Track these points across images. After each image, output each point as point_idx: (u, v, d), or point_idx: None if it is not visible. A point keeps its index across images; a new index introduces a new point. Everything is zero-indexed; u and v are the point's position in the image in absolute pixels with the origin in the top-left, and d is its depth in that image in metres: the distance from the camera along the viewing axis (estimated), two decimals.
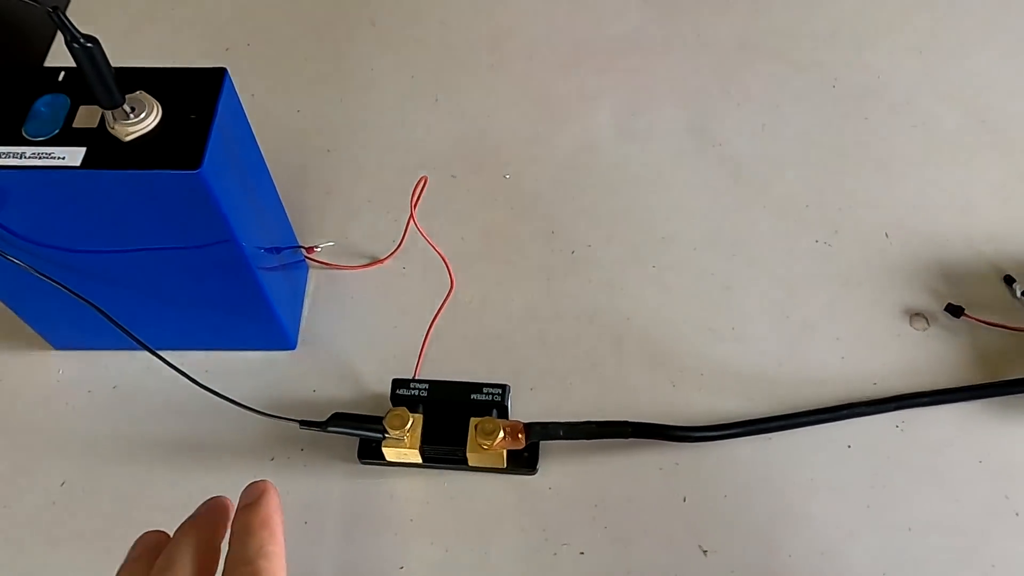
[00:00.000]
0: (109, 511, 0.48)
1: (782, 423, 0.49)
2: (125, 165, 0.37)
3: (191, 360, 0.52)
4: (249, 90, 0.66)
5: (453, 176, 0.62)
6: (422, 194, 0.51)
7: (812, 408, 0.50)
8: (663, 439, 0.48)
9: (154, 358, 0.45)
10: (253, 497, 0.32)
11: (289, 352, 0.53)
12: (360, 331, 0.54)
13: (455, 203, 0.60)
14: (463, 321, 0.54)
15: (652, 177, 0.61)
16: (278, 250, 0.50)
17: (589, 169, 0.62)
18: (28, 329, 0.52)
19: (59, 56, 0.68)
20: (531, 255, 0.58)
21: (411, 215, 0.51)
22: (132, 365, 0.53)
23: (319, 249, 0.53)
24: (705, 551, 0.46)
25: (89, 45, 0.34)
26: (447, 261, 0.51)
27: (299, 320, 0.55)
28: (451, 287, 0.51)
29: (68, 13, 0.70)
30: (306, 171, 0.62)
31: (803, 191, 0.61)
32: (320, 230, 0.58)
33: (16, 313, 0.49)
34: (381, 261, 0.57)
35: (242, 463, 0.49)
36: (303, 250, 0.54)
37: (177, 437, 0.50)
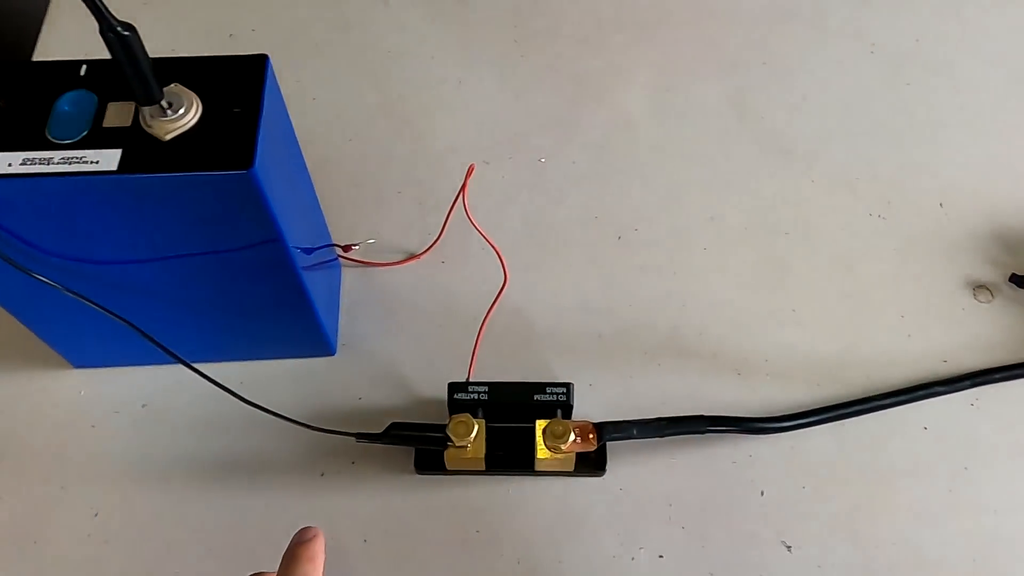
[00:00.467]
0: (149, 543, 0.44)
1: (857, 409, 0.47)
2: (167, 167, 0.33)
3: (224, 372, 0.48)
4: None
5: (486, 163, 0.58)
6: (467, 183, 0.48)
7: (883, 391, 0.48)
8: (741, 432, 0.46)
9: (184, 371, 0.42)
10: (306, 537, 0.35)
11: (329, 359, 0.50)
12: (403, 332, 0.51)
13: (490, 191, 0.57)
14: (511, 316, 0.51)
15: (694, 154, 0.59)
16: (317, 250, 0.47)
17: (627, 149, 0.59)
18: (42, 346, 0.47)
19: (49, 47, 0.63)
20: (576, 243, 0.55)
21: (463, 206, 0.47)
22: (160, 381, 0.49)
23: (358, 247, 0.50)
24: (789, 546, 0.44)
25: (127, 34, 0.30)
26: (500, 254, 0.48)
27: (337, 323, 0.51)
28: (504, 281, 0.48)
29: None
30: (328, 163, 0.58)
31: (851, 163, 0.58)
32: (349, 225, 0.55)
33: (32, 330, 0.45)
34: (418, 256, 0.54)
35: (290, 480, 0.46)
36: (338, 249, 0.51)
37: (216, 456, 0.47)
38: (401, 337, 0.51)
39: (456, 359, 0.49)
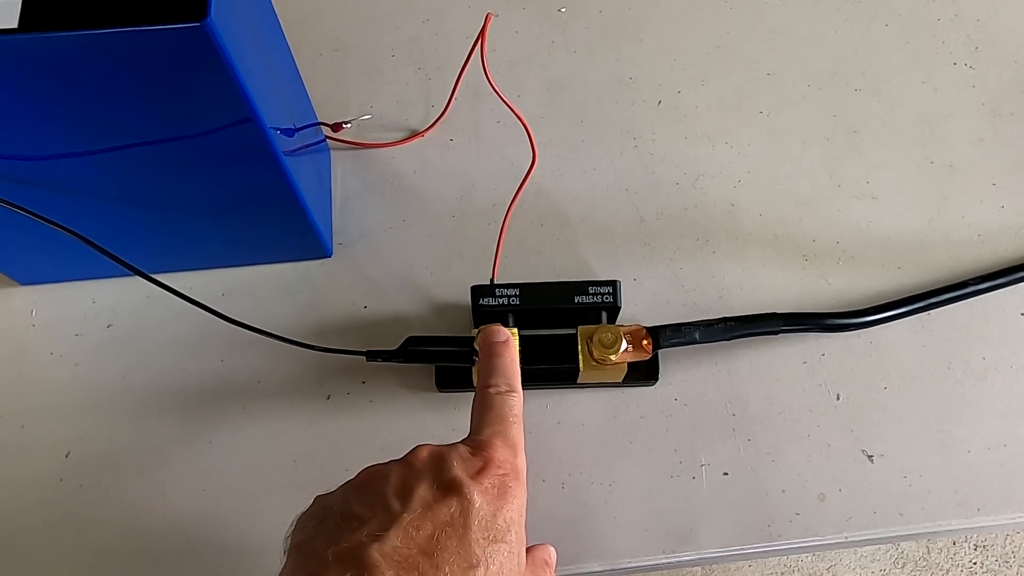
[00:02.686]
0: (132, 485, 0.38)
1: (946, 297, 0.40)
2: (88, 22, 0.24)
3: (203, 282, 0.41)
4: None
5: (495, 15, 0.48)
6: (485, 35, 0.38)
7: (974, 274, 0.42)
8: (818, 330, 0.39)
9: (153, 285, 0.34)
10: (502, 337, 0.34)
11: (324, 261, 0.42)
12: (410, 226, 0.43)
13: (502, 50, 0.47)
14: (536, 201, 0.44)
15: None
16: (300, 130, 0.38)
17: None
18: None
19: None
20: (609, 111, 0.46)
21: (482, 66, 0.38)
22: (127, 296, 0.41)
23: (349, 126, 0.40)
24: (870, 456, 0.39)
25: None
26: (528, 127, 0.39)
27: (330, 219, 0.43)
28: (533, 161, 0.40)
29: None
30: (305, 23, 0.47)
31: (932, 0, 0.49)
32: (337, 99, 0.46)
33: None
34: (422, 133, 0.45)
35: (292, 405, 0.39)
36: (326, 128, 0.42)
37: (202, 382, 0.40)
38: (408, 232, 0.43)
39: (475, 256, 0.42)
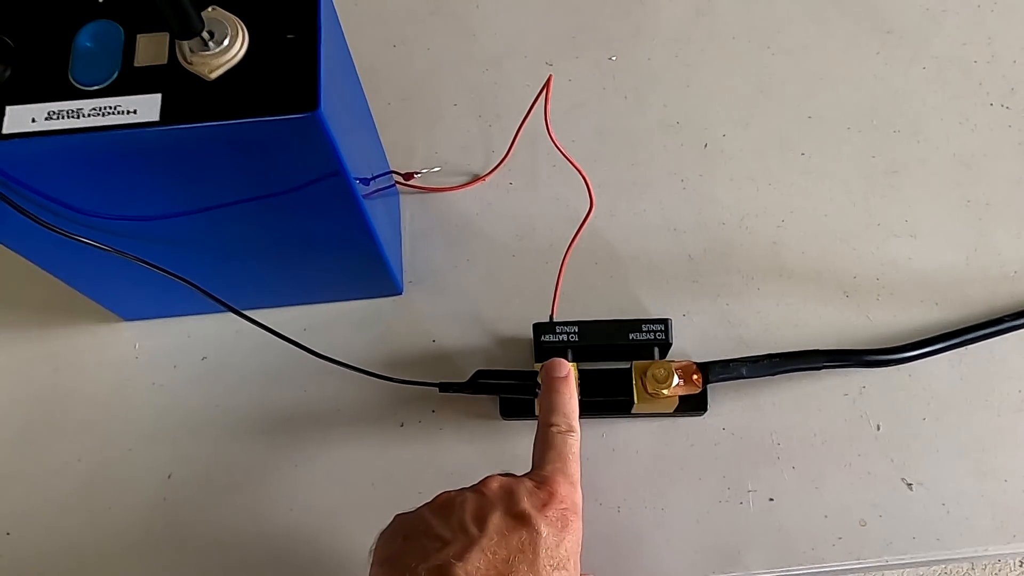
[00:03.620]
0: (228, 505, 0.42)
1: (983, 333, 0.43)
2: (217, 114, 0.28)
3: (286, 318, 0.45)
4: None
5: (548, 64, 0.52)
6: (549, 99, 0.42)
7: (1010, 310, 0.44)
8: (859, 366, 0.41)
9: (243, 320, 0.38)
10: (563, 372, 0.37)
11: (395, 298, 0.46)
12: (473, 265, 0.47)
13: (556, 97, 0.50)
14: (589, 240, 0.47)
15: (784, 42, 0.51)
16: (376, 178, 0.42)
17: (708, 38, 0.52)
18: (89, 301, 0.44)
19: None
20: (657, 153, 0.49)
21: (545, 126, 0.41)
22: (218, 330, 0.45)
23: (421, 175, 0.44)
24: (910, 484, 0.41)
25: None
26: (587, 177, 0.43)
27: (401, 259, 0.47)
28: (590, 208, 0.43)
29: None
30: (374, 74, 0.51)
31: (968, 43, 0.51)
32: (404, 145, 0.49)
33: (73, 287, 0.41)
34: (483, 178, 0.48)
35: (368, 432, 0.43)
36: (398, 177, 0.45)
37: (287, 409, 0.44)
38: (472, 270, 0.47)
39: (534, 293, 0.45)
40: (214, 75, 0.28)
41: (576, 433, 0.35)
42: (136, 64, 0.28)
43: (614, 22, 0.52)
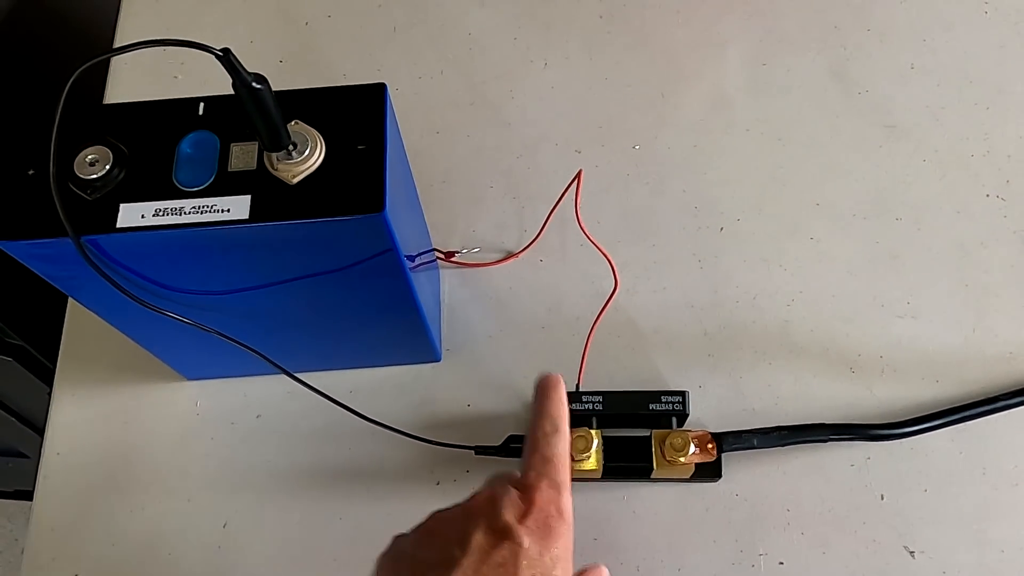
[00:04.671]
0: (279, 554, 0.46)
1: (981, 410, 0.46)
2: (298, 213, 0.32)
3: (334, 381, 0.49)
4: (338, 69, 0.61)
5: (577, 151, 0.56)
6: (579, 191, 0.46)
7: (1007, 389, 0.47)
8: (863, 439, 0.45)
9: (295, 382, 0.42)
10: (556, 383, 0.37)
11: (434, 364, 0.50)
12: (506, 336, 0.51)
13: (585, 181, 0.55)
14: (612, 314, 0.50)
15: (795, 134, 0.56)
16: (422, 254, 0.46)
17: (725, 129, 0.56)
18: (155, 360, 0.48)
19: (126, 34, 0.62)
20: (676, 235, 0.53)
21: (576, 216, 0.46)
22: (272, 391, 0.50)
23: (462, 254, 0.49)
24: (912, 552, 0.44)
25: (260, 87, 0.29)
26: (612, 262, 0.47)
27: (440, 328, 0.51)
28: (614, 288, 0.47)
29: None
30: (418, 158, 0.56)
31: (965, 138, 0.55)
32: (445, 224, 0.54)
33: (147, 349, 0.46)
34: (516, 254, 0.53)
35: (407, 489, 0.47)
36: (439, 254, 0.50)
37: (333, 465, 0.48)
38: (505, 340, 0.51)
39: (562, 362, 0.49)
40: (295, 180, 0.33)
41: (563, 435, 0.35)
42: (230, 169, 0.33)
43: (638, 114, 0.57)
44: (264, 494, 0.47)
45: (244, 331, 0.42)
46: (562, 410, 0.36)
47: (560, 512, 0.33)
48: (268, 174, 0.33)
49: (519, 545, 0.31)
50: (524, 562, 0.30)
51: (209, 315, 0.41)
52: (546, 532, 0.31)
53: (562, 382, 0.37)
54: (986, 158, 0.54)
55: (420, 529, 0.34)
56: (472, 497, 0.34)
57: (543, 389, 0.37)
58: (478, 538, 0.31)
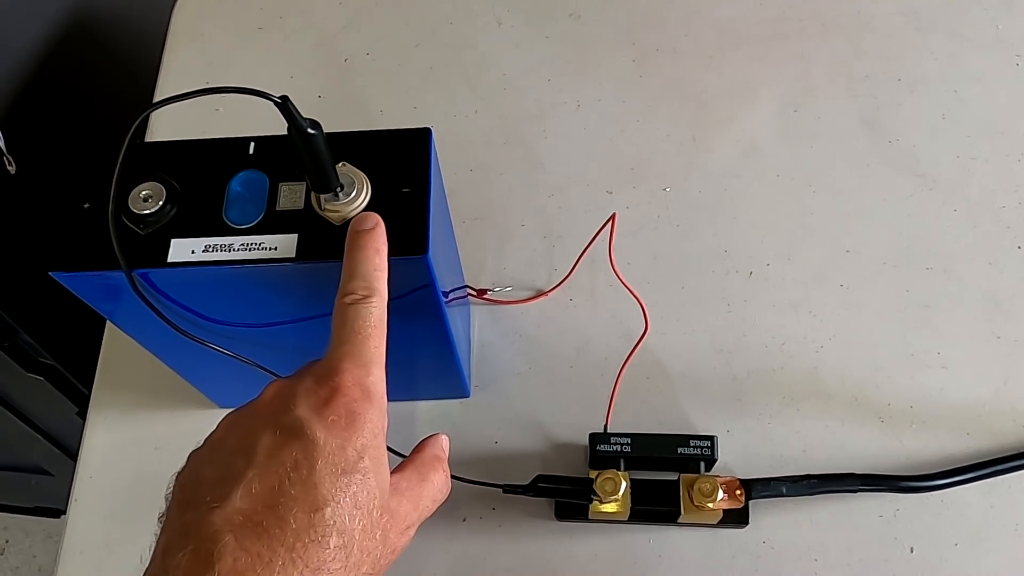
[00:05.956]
0: None
1: (1014, 464, 0.45)
2: (343, 254, 0.33)
3: None
4: (376, 106, 0.62)
5: (608, 192, 0.57)
6: (613, 234, 0.47)
7: None
8: (892, 491, 0.44)
9: None
10: (367, 226, 0.31)
11: (463, 400, 0.50)
12: (535, 373, 0.51)
13: (617, 223, 0.56)
14: (641, 356, 0.51)
15: (825, 181, 0.56)
16: (456, 290, 0.47)
17: (755, 175, 0.57)
18: (189, 387, 0.49)
19: (171, 75, 0.64)
20: (706, 279, 0.54)
21: (610, 260, 0.47)
22: None
23: (495, 291, 0.49)
24: None
25: (314, 133, 0.30)
26: (643, 304, 0.48)
27: (470, 365, 0.51)
28: (645, 330, 0.48)
29: (172, 26, 0.66)
30: (453, 195, 0.57)
31: (996, 188, 0.55)
32: (476, 261, 0.55)
33: (183, 377, 0.47)
34: (546, 293, 0.53)
35: (432, 525, 0.46)
36: (471, 291, 0.51)
37: None
38: (533, 378, 0.51)
39: (590, 402, 0.49)
40: (341, 222, 0.34)
41: (377, 297, 0.30)
42: (278, 208, 0.34)
43: (669, 157, 0.58)
44: None
45: (280, 362, 0.42)
46: (377, 264, 0.30)
47: (366, 393, 0.28)
48: (315, 214, 0.34)
49: (312, 442, 0.26)
50: (320, 461, 0.26)
51: (248, 347, 0.42)
52: (350, 420, 0.27)
53: (379, 224, 0.31)
54: (1017, 209, 0.54)
55: (208, 440, 0.29)
56: (261, 392, 0.29)
57: (352, 238, 0.31)
58: (265, 442, 0.26)
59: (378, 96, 0.62)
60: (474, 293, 0.51)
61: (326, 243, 0.33)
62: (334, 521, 0.26)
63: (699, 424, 0.49)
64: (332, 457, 0.26)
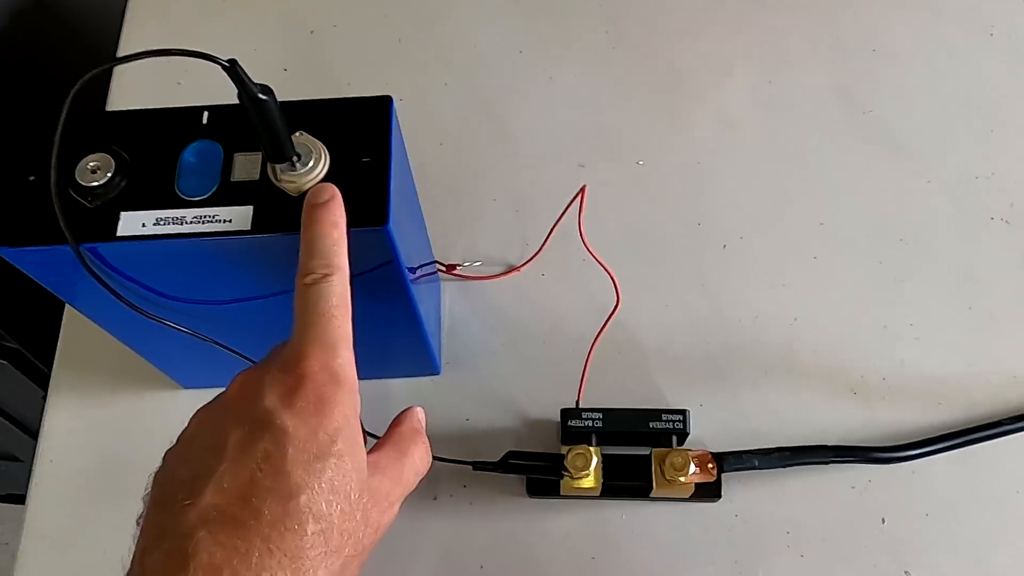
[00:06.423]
0: None
1: (984, 435, 0.45)
2: (300, 225, 0.32)
3: None
4: (342, 79, 0.61)
5: (581, 166, 0.56)
6: (583, 206, 0.46)
7: (1010, 413, 0.47)
8: (865, 462, 0.44)
9: None
10: (322, 198, 0.30)
11: (433, 377, 0.50)
12: (506, 350, 0.50)
13: (589, 197, 0.55)
14: (614, 331, 0.50)
15: (800, 154, 0.56)
16: (423, 266, 0.46)
17: (730, 148, 0.56)
18: (151, 368, 0.48)
19: (131, 43, 0.62)
20: (680, 253, 0.53)
21: (579, 232, 0.46)
22: None
23: (464, 267, 0.49)
24: None
25: (265, 99, 0.29)
26: (614, 278, 0.47)
27: (440, 341, 0.51)
28: (617, 304, 0.47)
29: (132, 1, 0.64)
30: (422, 170, 0.56)
31: (970, 160, 0.55)
32: (446, 236, 0.54)
33: (144, 357, 0.46)
34: (518, 268, 0.53)
35: (403, 505, 0.46)
36: (441, 267, 0.50)
37: None
38: (505, 355, 0.50)
39: (563, 378, 0.48)
40: (298, 192, 0.33)
41: (338, 274, 0.29)
42: (232, 179, 0.33)
43: (643, 131, 0.57)
44: None
45: (242, 341, 0.41)
46: (334, 237, 0.29)
47: (334, 376, 0.28)
48: (271, 185, 0.33)
49: (282, 432, 0.26)
50: (291, 449, 0.26)
51: (207, 324, 0.41)
52: (319, 406, 0.27)
53: (335, 196, 0.30)
54: (991, 180, 0.54)
55: (180, 437, 0.29)
56: (229, 386, 0.29)
57: (307, 212, 0.30)
58: (235, 437, 0.26)
59: (345, 69, 0.60)
60: (443, 268, 0.50)
61: (283, 215, 0.32)
62: (309, 508, 0.26)
63: (673, 399, 0.48)
64: (303, 444, 0.26)
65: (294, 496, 0.25)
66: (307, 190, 0.32)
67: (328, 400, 0.27)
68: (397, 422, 0.34)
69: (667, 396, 0.48)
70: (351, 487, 0.27)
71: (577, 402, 0.46)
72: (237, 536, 0.25)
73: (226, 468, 0.26)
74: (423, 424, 0.34)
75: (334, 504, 0.26)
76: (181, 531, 0.25)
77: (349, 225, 0.32)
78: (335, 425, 0.27)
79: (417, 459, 0.33)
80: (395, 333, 0.45)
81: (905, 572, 0.43)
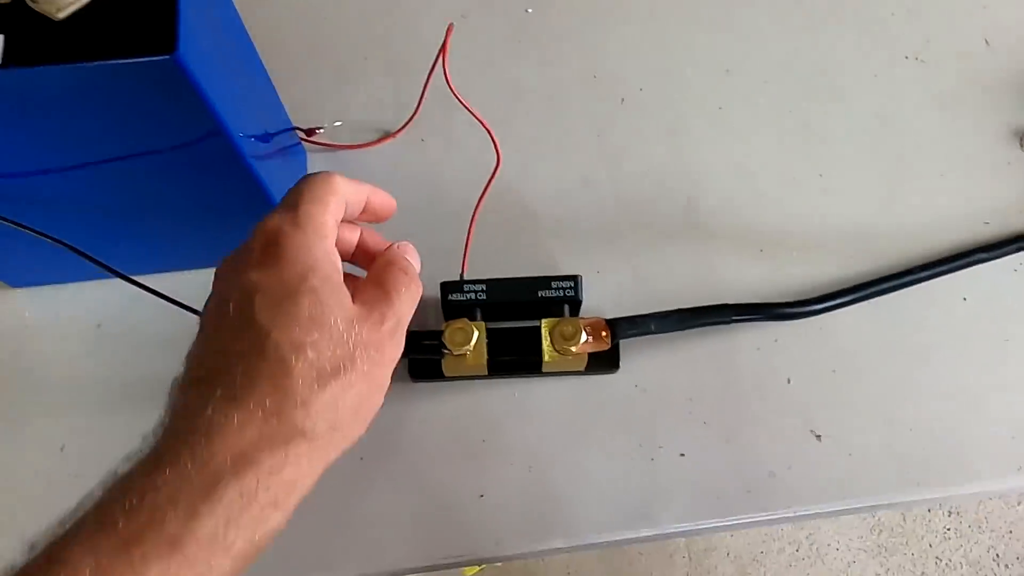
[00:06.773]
0: None
1: (892, 284, 0.43)
2: (66, 56, 0.26)
3: (185, 282, 0.43)
4: None
5: (463, 16, 0.50)
6: (447, 47, 0.40)
7: (919, 262, 0.44)
8: (768, 319, 0.41)
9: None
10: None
11: None
12: (383, 225, 0.45)
13: (471, 51, 0.49)
14: (503, 198, 0.45)
15: None
16: (272, 136, 0.40)
17: None
18: None
19: None
20: (574, 108, 0.48)
21: (444, 75, 0.40)
22: (114, 297, 0.43)
23: (322, 131, 0.42)
24: (819, 435, 0.41)
25: None
26: (491, 131, 0.41)
27: None
28: (497, 164, 0.42)
29: None
30: (277, 30, 0.49)
31: None
32: (311, 104, 0.47)
33: None
34: (394, 134, 0.47)
35: None
36: (301, 134, 0.43)
37: None
38: (382, 230, 0.45)
39: (447, 253, 0.44)
40: (62, 14, 0.26)
41: (326, 174, 0.32)
42: None
43: None
44: (106, 412, 0.41)
45: (62, 224, 0.35)
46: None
47: (295, 223, 0.29)
48: (27, 8, 0.26)
49: (251, 287, 0.27)
50: (257, 298, 0.27)
51: (8, 204, 0.34)
52: (281, 253, 0.28)
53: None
54: (906, 18, 0.50)
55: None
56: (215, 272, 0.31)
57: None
58: (215, 315, 0.29)
59: None
60: (302, 134, 0.44)
61: (43, 43, 0.26)
62: (285, 342, 0.27)
63: (567, 266, 0.44)
64: (270, 291, 0.27)
65: (266, 337, 0.27)
66: (72, 11, 0.26)
67: (288, 245, 0.28)
68: (376, 261, 0.34)
69: (561, 264, 0.44)
70: (334, 317, 0.28)
71: (461, 275, 0.42)
72: (208, 389, 0.27)
73: (210, 347, 0.28)
74: (413, 266, 0.35)
75: (313, 333, 0.27)
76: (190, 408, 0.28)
77: (126, 54, 0.26)
78: (301, 267, 0.28)
79: (403, 288, 0.33)
80: (245, 214, 0.39)
81: (812, 431, 0.41)
